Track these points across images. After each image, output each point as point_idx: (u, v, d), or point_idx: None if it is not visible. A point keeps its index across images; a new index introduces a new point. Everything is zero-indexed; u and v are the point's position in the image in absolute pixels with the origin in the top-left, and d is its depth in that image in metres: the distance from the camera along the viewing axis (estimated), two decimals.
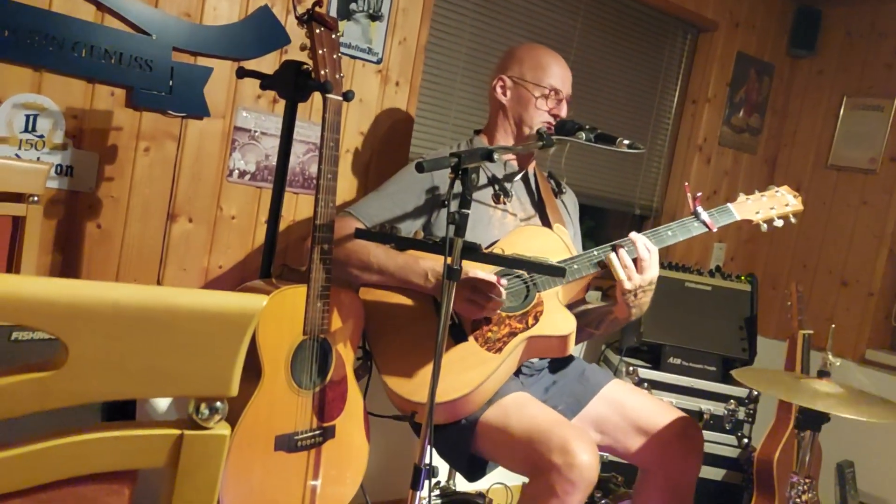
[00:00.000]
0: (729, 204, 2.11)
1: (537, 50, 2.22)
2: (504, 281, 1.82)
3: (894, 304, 3.58)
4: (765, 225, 2.12)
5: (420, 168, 1.59)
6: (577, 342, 2.21)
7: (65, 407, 0.61)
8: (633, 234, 1.97)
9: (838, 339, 3.55)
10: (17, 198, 1.89)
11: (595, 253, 2.00)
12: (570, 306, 2.16)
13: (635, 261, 1.94)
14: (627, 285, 1.93)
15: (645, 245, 1.96)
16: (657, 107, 3.51)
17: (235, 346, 0.65)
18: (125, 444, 0.63)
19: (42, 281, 0.56)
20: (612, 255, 1.94)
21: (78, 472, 0.62)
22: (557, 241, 2.06)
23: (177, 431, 0.65)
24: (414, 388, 1.85)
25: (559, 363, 2.19)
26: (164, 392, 0.63)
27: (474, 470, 1.97)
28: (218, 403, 0.66)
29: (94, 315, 0.58)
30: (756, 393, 2.97)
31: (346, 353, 1.84)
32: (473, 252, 1.62)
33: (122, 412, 1.51)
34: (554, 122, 2.12)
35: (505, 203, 2.10)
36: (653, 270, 1.95)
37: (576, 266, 1.97)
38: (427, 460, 1.59)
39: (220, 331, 0.64)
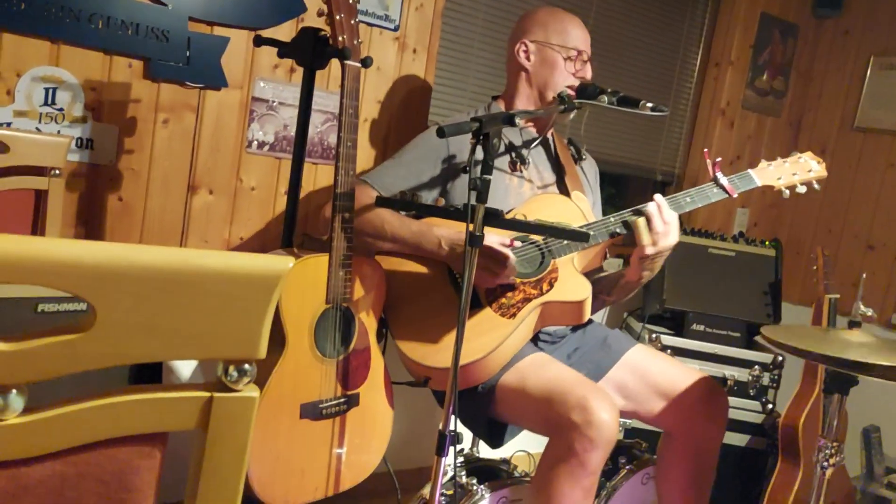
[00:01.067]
0: (750, 170, 2.07)
1: (558, 13, 2.18)
2: (518, 243, 1.80)
3: None
4: (787, 191, 2.08)
5: (441, 133, 1.57)
6: (593, 311, 2.20)
7: (93, 371, 0.61)
8: (658, 197, 1.95)
9: (864, 303, 3.51)
10: (39, 171, 1.90)
11: (612, 220, 1.98)
12: (585, 275, 2.14)
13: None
14: (649, 250, 1.91)
15: (668, 210, 1.93)
16: (679, 71, 3.45)
17: (263, 307, 0.64)
18: (156, 407, 0.63)
19: (69, 243, 0.55)
20: (641, 220, 1.92)
21: (110, 435, 0.62)
22: (575, 209, 2.04)
23: (206, 394, 0.65)
24: (427, 352, 1.85)
25: (581, 330, 2.18)
26: (192, 354, 0.63)
27: (495, 436, 1.98)
28: (246, 366, 0.66)
29: (121, 277, 0.57)
30: (781, 358, 2.94)
31: (368, 322, 1.84)
32: (495, 218, 1.60)
33: (148, 378, 1.52)
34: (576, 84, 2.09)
35: (521, 171, 2.08)
36: (674, 236, 1.93)
37: (592, 233, 1.95)
38: (451, 427, 1.59)
39: (248, 292, 0.63)
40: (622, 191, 3.74)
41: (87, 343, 0.58)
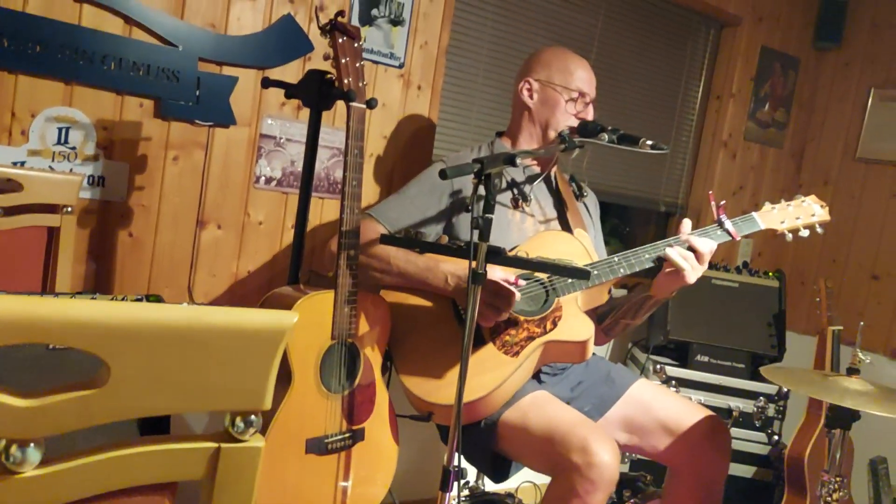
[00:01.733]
0: (753, 213, 2.09)
1: (564, 53, 2.22)
2: (522, 282, 1.83)
3: None
4: (790, 235, 2.10)
5: (444, 175, 1.60)
6: (614, 336, 2.22)
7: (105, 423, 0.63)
8: (685, 224, 1.99)
9: (869, 334, 3.51)
10: (52, 209, 1.94)
11: (616, 259, 2.00)
12: (599, 306, 2.17)
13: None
14: (690, 277, 1.93)
15: (697, 238, 1.96)
16: (681, 103, 3.50)
17: (269, 361, 0.67)
18: (166, 458, 0.66)
19: (86, 303, 0.58)
20: (671, 252, 1.94)
21: (122, 485, 0.64)
22: (578, 247, 2.07)
23: (214, 445, 0.67)
24: (431, 388, 1.87)
25: (584, 363, 2.20)
26: (201, 407, 0.66)
27: (499, 470, 1.99)
28: (253, 417, 0.69)
29: (134, 335, 0.60)
30: (786, 389, 2.95)
31: (373, 357, 1.87)
32: (497, 256, 1.63)
33: (156, 427, 1.55)
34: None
35: (524, 207, 2.11)
36: (705, 261, 1.97)
37: (596, 272, 1.97)
38: (455, 462, 1.61)
39: (254, 347, 0.66)
40: (626, 222, 3.77)
41: (102, 399, 0.60)
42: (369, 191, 2.54)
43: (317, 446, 1.74)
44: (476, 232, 1.59)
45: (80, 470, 0.62)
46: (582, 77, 2.17)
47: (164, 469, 0.66)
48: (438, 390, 1.87)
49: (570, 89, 2.14)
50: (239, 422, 0.68)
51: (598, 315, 2.17)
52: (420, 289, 1.97)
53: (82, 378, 0.60)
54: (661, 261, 1.98)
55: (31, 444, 0.59)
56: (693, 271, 1.93)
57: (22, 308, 0.56)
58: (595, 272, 1.98)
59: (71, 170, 2.03)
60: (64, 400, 0.59)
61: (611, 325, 2.18)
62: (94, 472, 0.63)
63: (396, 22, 2.52)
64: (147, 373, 0.62)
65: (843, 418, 1.76)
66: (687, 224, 2.00)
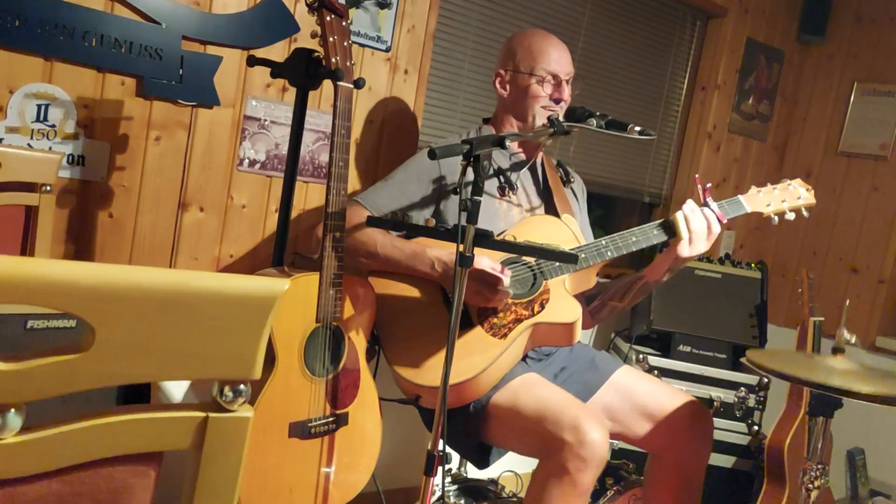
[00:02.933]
0: (740, 196, 2.10)
1: (529, 37, 2.18)
2: (508, 272, 1.82)
3: None
4: (776, 218, 2.10)
5: (433, 155, 1.59)
6: (601, 320, 2.22)
7: (82, 392, 0.61)
8: (690, 202, 1.99)
9: (849, 327, 3.54)
10: (30, 187, 1.90)
11: (603, 242, 2.00)
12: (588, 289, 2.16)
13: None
14: (685, 251, 1.94)
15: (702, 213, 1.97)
16: (666, 94, 3.50)
17: (258, 328, 0.65)
18: (151, 427, 0.64)
19: (69, 264, 0.56)
20: (679, 216, 1.95)
21: (106, 454, 0.62)
22: (566, 231, 2.06)
23: (202, 414, 0.65)
24: (418, 371, 1.86)
25: (568, 349, 2.20)
26: (188, 374, 0.64)
27: (481, 456, 1.98)
28: (242, 386, 0.67)
29: (120, 298, 0.58)
30: (766, 380, 2.97)
31: (358, 341, 1.85)
32: (485, 239, 1.62)
33: (136, 396, 1.52)
34: (556, 106, 2.11)
35: (510, 195, 2.10)
36: (709, 240, 1.98)
37: (584, 255, 1.97)
38: (440, 446, 1.59)
39: (244, 314, 0.64)
40: (610, 212, 3.78)
41: (86, 363, 0.58)
42: (353, 176, 2.52)
43: (300, 430, 1.72)
44: (464, 214, 1.57)
45: (62, 437, 0.60)
46: (549, 57, 2.12)
47: (150, 438, 0.64)
48: (426, 373, 1.86)
49: (536, 74, 2.11)
50: (227, 391, 0.66)
51: (585, 297, 2.17)
52: (407, 274, 1.96)
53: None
54: (664, 232, 1.98)
55: (12, 410, 0.57)
56: (689, 245, 1.93)
57: (3, 268, 0.54)
58: (583, 255, 1.98)
59: (50, 148, 1.99)
60: (47, 364, 0.57)
61: (598, 308, 2.18)
62: (78, 440, 0.60)
63: (384, 5, 2.49)
64: (133, 337, 0.59)
65: (825, 406, 1.77)
66: (690, 202, 2.00)
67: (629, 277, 2.12)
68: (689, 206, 1.98)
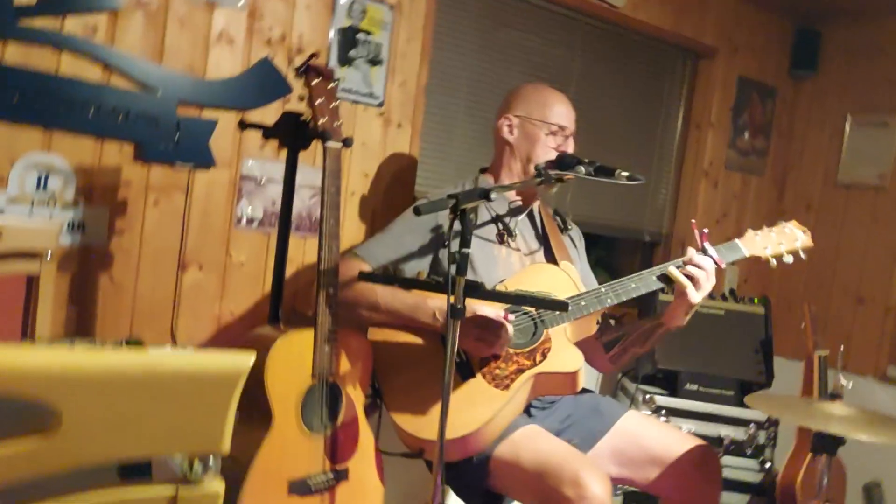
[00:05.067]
0: (737, 240, 2.11)
1: (542, 89, 2.25)
2: (511, 317, 1.83)
3: None
4: (774, 260, 2.11)
5: (417, 211, 1.62)
6: (622, 365, 2.21)
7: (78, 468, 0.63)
8: (690, 249, 2.00)
9: (857, 357, 3.52)
10: (31, 256, 1.93)
11: (603, 289, 2.01)
12: (606, 333, 2.16)
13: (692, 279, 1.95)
14: (694, 297, 1.94)
15: (698, 256, 1.98)
16: (661, 133, 3.53)
17: (225, 403, 0.67)
18: None
19: (37, 350, 0.58)
20: (672, 269, 1.95)
21: None
22: (565, 278, 2.07)
23: (171, 489, 0.67)
24: (422, 424, 1.86)
25: (572, 397, 2.19)
26: (157, 451, 0.65)
27: None
28: (211, 460, 0.68)
29: (86, 381, 0.60)
30: (776, 417, 2.94)
31: (355, 395, 1.86)
32: (476, 290, 1.64)
33: (137, 468, 1.53)
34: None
35: (509, 242, 2.12)
36: (712, 279, 1.97)
37: (583, 302, 1.98)
38: (440, 499, 1.59)
39: (210, 390, 0.66)
40: (612, 252, 3.79)
41: (52, 447, 0.60)
42: (353, 228, 2.55)
43: (300, 487, 1.72)
44: (454, 266, 1.59)
45: None
46: (560, 111, 2.19)
47: None
48: (430, 426, 1.86)
49: (549, 123, 2.16)
50: (197, 465, 0.68)
51: (605, 343, 2.17)
52: (409, 325, 1.97)
53: (17, 427, 0.59)
54: (665, 284, 1.99)
55: None
56: (696, 291, 1.94)
57: None
58: (582, 303, 1.99)
59: (51, 216, 2.04)
60: (12, 452, 0.59)
61: (619, 354, 2.17)
62: None
63: (375, 62, 2.55)
64: (100, 420, 0.61)
65: (828, 444, 1.75)
66: (691, 249, 2.02)
67: (649, 324, 2.11)
68: (690, 255, 1.99)
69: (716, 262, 2.04)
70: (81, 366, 0.60)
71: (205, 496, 0.67)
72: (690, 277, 1.95)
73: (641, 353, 2.17)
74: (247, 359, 0.67)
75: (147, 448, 0.64)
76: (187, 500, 0.67)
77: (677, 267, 1.98)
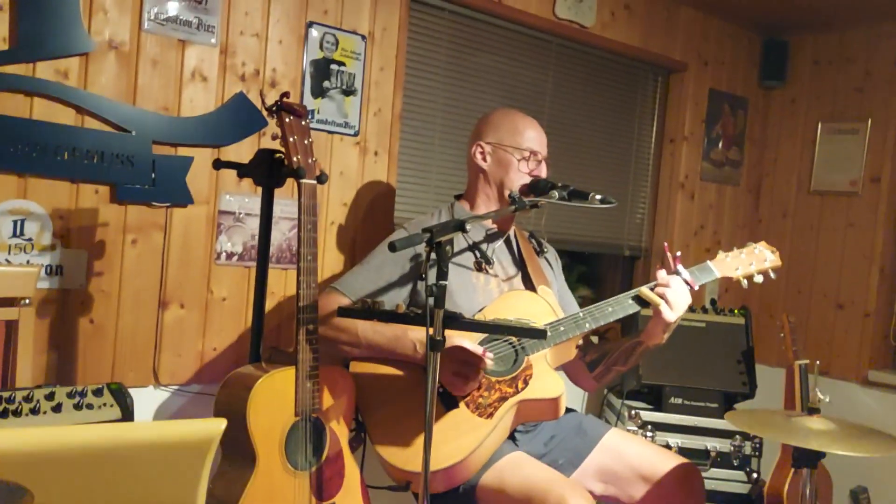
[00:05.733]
0: (709, 262, 2.14)
1: (512, 115, 2.27)
2: (490, 354, 1.85)
3: (891, 323, 3.58)
4: (745, 281, 2.16)
5: (393, 248, 1.63)
6: (606, 383, 2.23)
7: None
8: (660, 272, 2.04)
9: (839, 363, 3.56)
10: (9, 302, 1.93)
11: (581, 314, 2.03)
12: (589, 352, 2.18)
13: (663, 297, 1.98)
14: (669, 316, 1.97)
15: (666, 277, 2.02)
16: (636, 149, 3.57)
17: (198, 470, 0.68)
18: None
19: (5, 433, 0.59)
20: (646, 290, 1.98)
21: None
22: (543, 305, 2.09)
23: None
24: (407, 457, 1.87)
25: None
26: None
27: None
28: None
29: (58, 460, 0.61)
30: None
31: (339, 430, 1.86)
32: (455, 321, 1.65)
33: None
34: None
35: (486, 269, 2.14)
36: (686, 298, 2.00)
37: (562, 328, 2.00)
38: None
39: (182, 458, 0.67)
40: (593, 269, 3.81)
41: None
42: (332, 258, 2.56)
43: None
44: (431, 299, 1.61)
45: None
46: (531, 136, 2.21)
47: None
48: (415, 458, 1.86)
49: (521, 149, 2.18)
50: None
51: (588, 362, 2.19)
52: (390, 358, 1.98)
53: None
54: (640, 305, 2.02)
55: None
56: (671, 310, 1.96)
57: None
58: (561, 328, 2.01)
59: (28, 261, 2.03)
60: None
61: (602, 373, 2.19)
62: None
63: (349, 92, 2.57)
64: (73, 496, 0.62)
65: (808, 458, 1.78)
66: (661, 272, 2.04)
67: (629, 343, 2.14)
68: (660, 277, 2.02)
69: (689, 285, 2.06)
70: (51, 445, 0.60)
71: None
72: (663, 297, 1.97)
73: (624, 370, 2.20)
74: (217, 424, 0.68)
75: None
76: None
77: (651, 288, 2.01)
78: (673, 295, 1.97)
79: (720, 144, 3.76)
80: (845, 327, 3.62)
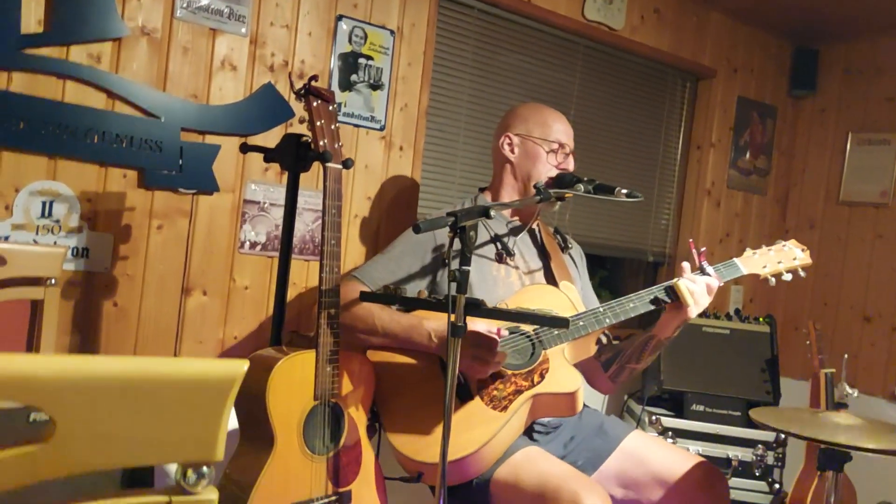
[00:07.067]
0: (735, 259, 2.11)
1: (541, 108, 2.27)
2: (504, 332, 1.83)
3: None
4: (773, 279, 2.12)
5: (417, 229, 1.62)
6: (621, 382, 2.20)
7: (81, 476, 0.63)
8: (685, 265, 2.02)
9: (865, 377, 3.49)
10: (35, 281, 1.95)
11: (601, 309, 2.00)
12: (604, 352, 2.16)
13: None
14: (693, 311, 1.95)
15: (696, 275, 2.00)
16: (662, 154, 3.55)
17: (219, 411, 0.67)
18: None
19: (26, 357, 0.59)
20: (682, 284, 1.96)
21: None
22: (564, 299, 2.07)
23: (165, 498, 0.67)
24: (419, 447, 1.85)
25: (576, 417, 2.18)
26: (151, 459, 0.66)
27: None
28: (205, 468, 0.68)
29: (78, 388, 0.61)
30: (783, 436, 2.91)
31: (358, 417, 1.85)
32: (477, 308, 1.64)
33: (141, 477, 1.53)
34: None
35: (508, 261, 2.12)
36: (708, 296, 1.99)
37: (582, 323, 1.97)
38: None
39: (204, 397, 0.66)
40: (616, 273, 3.79)
41: (47, 454, 0.60)
42: (355, 252, 2.56)
43: None
44: (454, 285, 1.60)
45: None
46: (560, 129, 2.21)
47: None
48: (427, 449, 1.85)
49: (550, 141, 2.18)
50: (191, 474, 0.68)
51: (602, 362, 2.16)
52: (406, 348, 1.97)
53: (12, 436, 0.60)
54: (671, 298, 1.99)
55: None
56: (695, 306, 1.94)
57: None
58: (581, 323, 1.98)
59: (55, 242, 2.05)
60: (7, 456, 0.59)
61: (617, 372, 2.16)
62: None
63: (376, 86, 2.58)
64: (93, 426, 0.62)
65: (834, 459, 1.74)
66: (687, 266, 2.02)
67: (641, 338, 2.11)
68: (689, 273, 2.00)
69: (714, 280, 2.04)
70: (74, 373, 0.60)
71: None
72: (692, 293, 1.95)
73: (639, 368, 2.16)
74: (240, 365, 0.67)
75: (140, 456, 0.65)
76: None
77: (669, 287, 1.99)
78: (697, 290, 1.95)
79: (748, 153, 3.73)
80: (872, 340, 3.55)
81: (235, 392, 0.67)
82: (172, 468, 1.98)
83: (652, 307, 2.01)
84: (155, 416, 0.64)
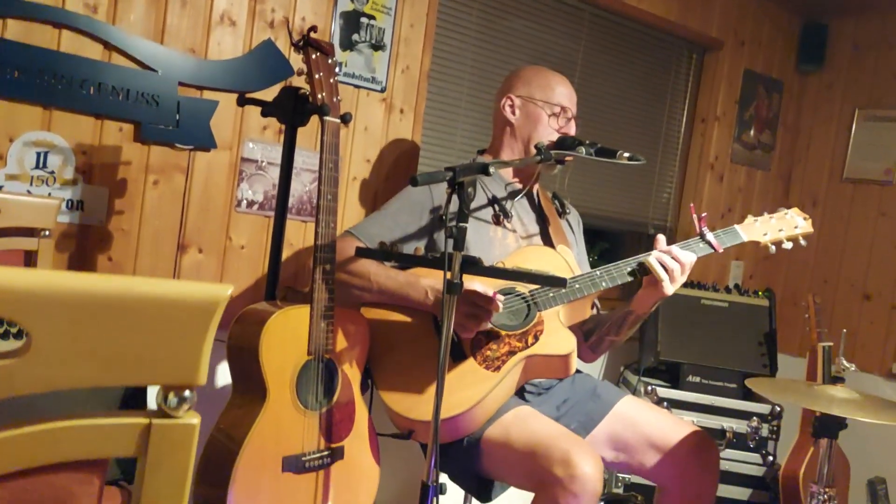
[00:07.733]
0: (736, 226, 2.09)
1: (544, 70, 2.25)
2: (501, 297, 1.82)
3: None
4: (773, 247, 2.09)
5: (414, 182, 1.60)
6: (602, 352, 2.19)
7: (83, 394, 0.62)
8: (660, 238, 1.98)
9: (863, 355, 3.49)
10: (30, 232, 1.93)
11: (598, 273, 1.99)
12: (585, 322, 2.15)
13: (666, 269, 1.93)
14: (668, 289, 1.91)
15: (675, 249, 1.95)
16: (666, 126, 3.52)
17: (202, 334, 0.66)
18: (94, 433, 0.64)
19: (3, 270, 0.57)
20: (653, 260, 1.93)
21: (48, 461, 0.63)
22: (561, 261, 2.06)
23: (145, 420, 0.66)
24: (411, 405, 1.85)
25: (569, 380, 2.17)
26: (131, 380, 0.64)
27: (483, 489, 1.95)
28: (186, 392, 0.67)
29: (55, 303, 0.59)
30: (778, 409, 2.91)
31: (352, 374, 1.84)
32: (474, 266, 1.62)
33: (139, 399, 1.53)
34: None
35: (505, 223, 2.11)
36: (685, 272, 1.95)
37: (577, 285, 1.96)
38: (434, 477, 1.57)
39: (187, 319, 0.65)
40: (616, 245, 3.77)
41: (23, 368, 0.59)
42: (353, 214, 2.54)
43: (294, 464, 1.71)
44: (451, 241, 1.58)
45: (2, 444, 0.60)
46: (562, 92, 2.18)
47: (92, 445, 0.64)
48: (419, 406, 1.85)
49: (552, 104, 2.15)
50: (172, 397, 0.66)
51: (583, 332, 2.15)
52: (401, 304, 1.96)
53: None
54: (640, 274, 1.97)
55: None
56: (671, 283, 1.92)
57: None
58: (577, 285, 1.97)
59: (49, 194, 2.03)
60: None
61: (596, 342, 2.16)
62: (18, 446, 0.61)
63: (377, 47, 2.54)
64: (71, 342, 0.60)
65: (829, 426, 1.73)
66: (662, 238, 1.99)
67: (619, 312, 2.10)
68: (659, 248, 1.96)
69: (714, 247, 2.02)
70: (51, 287, 0.59)
71: (180, 429, 0.66)
72: (667, 269, 1.92)
73: (618, 340, 2.14)
74: (224, 289, 0.66)
75: (120, 375, 0.63)
76: (161, 432, 0.65)
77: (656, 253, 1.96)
78: (677, 269, 1.92)
79: (752, 127, 3.69)
80: (871, 318, 3.54)
81: (219, 315, 0.66)
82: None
83: (647, 273, 1.99)
84: (136, 336, 0.63)
